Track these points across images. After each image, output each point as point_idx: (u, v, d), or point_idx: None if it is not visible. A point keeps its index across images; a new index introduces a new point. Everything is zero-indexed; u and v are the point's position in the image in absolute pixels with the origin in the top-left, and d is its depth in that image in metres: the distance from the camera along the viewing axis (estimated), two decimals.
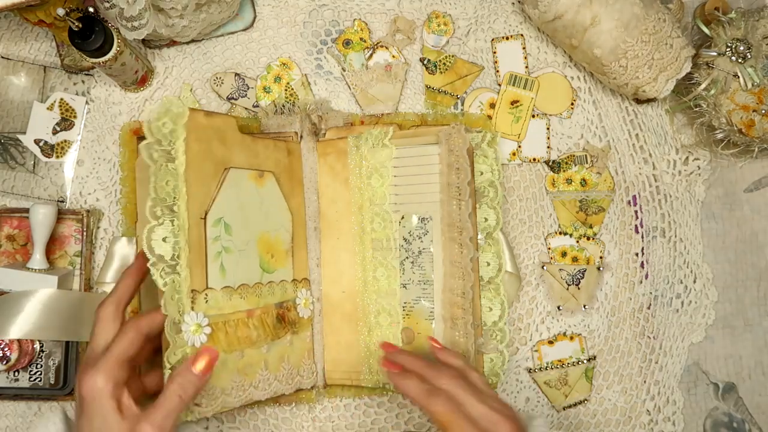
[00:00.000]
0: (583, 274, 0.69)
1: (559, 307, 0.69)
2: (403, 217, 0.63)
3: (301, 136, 0.65)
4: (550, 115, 0.71)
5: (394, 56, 0.71)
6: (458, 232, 0.60)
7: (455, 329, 0.60)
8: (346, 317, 0.63)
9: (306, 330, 0.62)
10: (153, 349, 0.51)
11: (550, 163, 0.71)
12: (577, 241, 0.70)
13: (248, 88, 0.69)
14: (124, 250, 0.65)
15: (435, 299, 0.61)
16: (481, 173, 0.64)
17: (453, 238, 0.60)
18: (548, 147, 0.71)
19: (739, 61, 0.66)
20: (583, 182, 0.70)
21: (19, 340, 0.61)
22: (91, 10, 0.57)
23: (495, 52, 0.72)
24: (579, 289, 0.69)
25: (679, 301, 0.70)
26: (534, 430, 0.51)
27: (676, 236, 0.71)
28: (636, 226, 0.71)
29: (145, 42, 0.69)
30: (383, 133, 0.63)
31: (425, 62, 0.71)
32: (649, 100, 0.69)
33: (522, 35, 0.72)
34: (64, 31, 0.57)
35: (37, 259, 0.63)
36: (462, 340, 0.59)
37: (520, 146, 0.71)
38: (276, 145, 0.62)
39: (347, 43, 0.71)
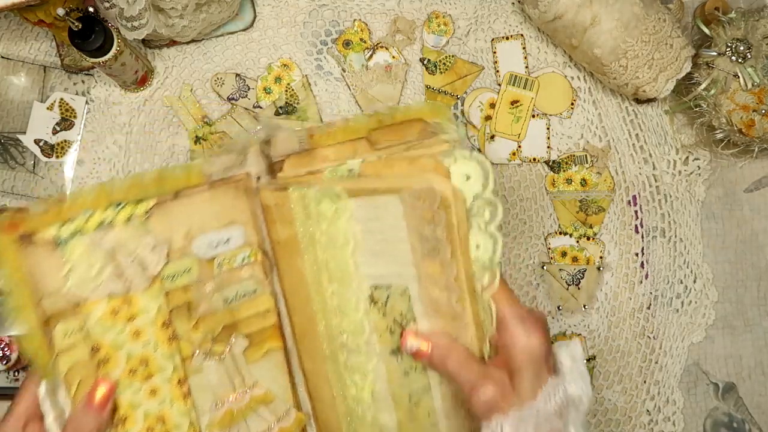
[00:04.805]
0: (583, 274, 0.69)
1: (559, 307, 0.69)
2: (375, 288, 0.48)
3: (259, 178, 0.49)
4: (550, 115, 0.71)
5: (394, 57, 0.71)
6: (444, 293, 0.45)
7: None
8: None
9: None
10: None
11: (550, 163, 0.71)
12: (577, 241, 0.70)
13: (249, 89, 0.69)
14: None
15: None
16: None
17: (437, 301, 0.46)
18: (548, 147, 0.71)
19: (739, 61, 0.66)
20: (583, 182, 0.70)
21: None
22: (91, 10, 0.57)
23: (495, 52, 0.72)
24: (579, 289, 0.69)
25: (679, 301, 0.70)
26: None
27: (676, 236, 0.71)
28: (636, 226, 0.71)
29: (145, 42, 0.69)
30: (334, 194, 0.47)
31: (425, 62, 0.71)
32: (649, 100, 0.69)
33: (522, 35, 0.72)
34: (64, 31, 0.57)
35: None
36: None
37: (520, 146, 0.71)
38: None
39: (347, 44, 0.71)
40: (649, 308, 0.70)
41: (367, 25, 0.71)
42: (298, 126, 0.48)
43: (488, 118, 0.70)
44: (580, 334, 0.69)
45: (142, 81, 0.68)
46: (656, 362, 0.69)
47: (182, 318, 0.49)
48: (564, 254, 0.69)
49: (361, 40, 0.71)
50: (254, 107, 0.69)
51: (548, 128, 0.71)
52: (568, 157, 0.71)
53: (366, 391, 0.50)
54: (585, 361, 0.45)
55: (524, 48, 0.72)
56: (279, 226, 0.50)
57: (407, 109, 0.48)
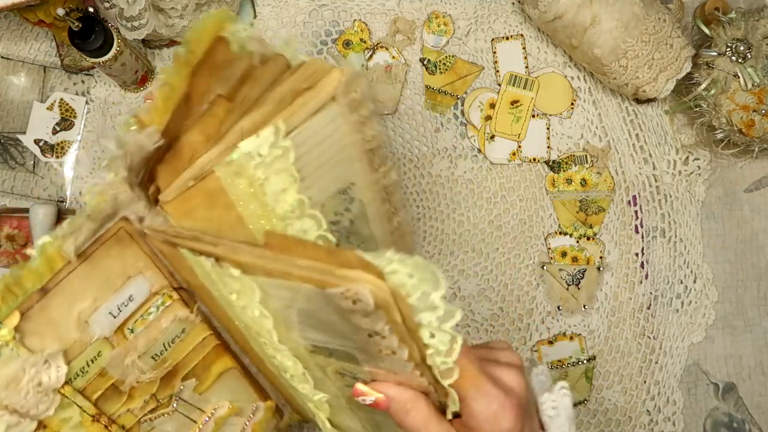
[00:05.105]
0: (583, 274, 0.69)
1: (559, 307, 0.69)
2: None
3: (141, 219, 0.39)
4: (550, 115, 0.71)
5: (394, 57, 0.71)
6: None
7: None
8: None
9: None
10: None
11: (550, 163, 0.71)
12: (577, 241, 0.70)
13: None
14: None
15: None
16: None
17: None
18: (548, 147, 0.71)
19: (739, 61, 0.66)
20: (583, 182, 0.70)
21: None
22: (91, 10, 0.57)
23: (495, 52, 0.72)
24: (579, 289, 0.69)
25: (679, 301, 0.70)
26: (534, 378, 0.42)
27: (676, 236, 0.71)
28: (636, 226, 0.71)
29: (145, 42, 0.69)
30: (230, 276, 0.36)
31: (425, 62, 0.71)
32: (649, 100, 0.69)
33: (522, 35, 0.72)
34: (64, 31, 0.57)
35: None
36: None
37: (520, 146, 0.71)
38: None
39: (347, 44, 0.71)
40: (649, 308, 0.70)
41: (367, 25, 0.71)
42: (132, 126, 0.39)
43: (488, 118, 0.70)
44: (580, 334, 0.69)
45: (142, 81, 0.68)
46: (656, 362, 0.69)
47: (112, 400, 0.44)
48: (564, 254, 0.69)
49: (361, 40, 0.71)
50: None
51: (548, 128, 0.71)
52: (568, 157, 0.71)
53: (323, 410, 0.45)
54: (571, 410, 0.38)
55: (524, 48, 0.72)
56: (184, 272, 0.42)
57: (192, 30, 0.41)
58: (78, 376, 0.41)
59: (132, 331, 0.43)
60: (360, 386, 0.37)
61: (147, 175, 0.39)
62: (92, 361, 0.42)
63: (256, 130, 0.37)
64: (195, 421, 0.49)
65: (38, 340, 0.38)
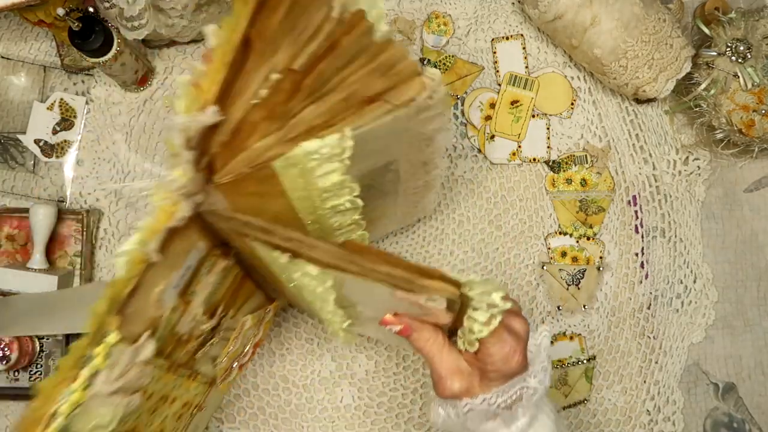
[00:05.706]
0: (583, 274, 0.69)
1: (558, 307, 0.69)
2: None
3: (200, 204, 0.40)
4: (550, 115, 0.71)
5: None
6: None
7: None
8: None
9: None
10: None
11: (550, 163, 0.71)
12: (577, 241, 0.70)
13: None
14: None
15: None
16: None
17: None
18: (548, 147, 0.71)
19: (739, 61, 0.66)
20: (583, 182, 0.70)
21: (19, 340, 0.61)
22: (91, 10, 0.57)
23: (495, 52, 0.72)
24: (579, 289, 0.69)
25: (679, 301, 0.70)
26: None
27: (676, 236, 0.71)
28: (636, 226, 0.71)
29: (145, 42, 0.69)
30: (306, 272, 0.40)
31: (425, 62, 0.71)
32: (649, 100, 0.69)
33: (522, 35, 0.72)
34: (64, 31, 0.57)
35: (37, 259, 0.63)
36: None
37: (520, 146, 0.71)
38: None
39: None
40: (649, 308, 0.70)
41: None
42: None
43: (488, 118, 0.70)
44: (580, 334, 0.69)
45: (142, 81, 0.68)
46: (656, 362, 0.69)
47: (178, 350, 0.49)
48: (564, 254, 0.69)
49: None
50: None
51: (548, 128, 0.71)
52: (568, 157, 0.71)
53: (343, 322, 0.49)
54: (549, 348, 0.47)
55: (524, 48, 0.72)
56: (241, 245, 0.44)
57: None
58: (158, 340, 0.46)
59: (193, 293, 0.47)
60: (389, 317, 0.45)
61: (205, 146, 0.37)
62: (168, 328, 0.46)
63: (321, 124, 0.37)
64: (228, 339, 0.56)
65: (133, 330, 0.42)
